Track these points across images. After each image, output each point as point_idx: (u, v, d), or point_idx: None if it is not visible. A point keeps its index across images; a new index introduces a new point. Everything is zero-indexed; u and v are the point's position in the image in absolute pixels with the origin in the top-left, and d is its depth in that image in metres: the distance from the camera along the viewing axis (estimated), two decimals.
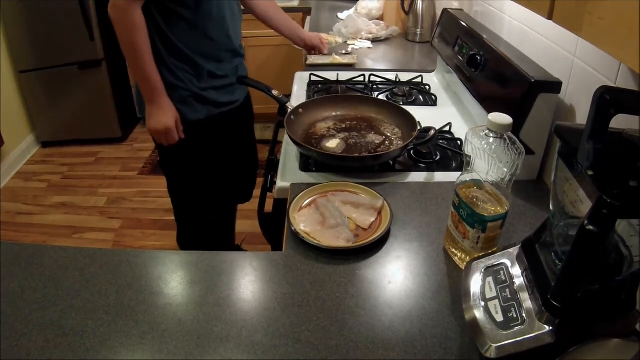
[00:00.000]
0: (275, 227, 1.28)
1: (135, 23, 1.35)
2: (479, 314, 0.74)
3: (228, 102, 1.62)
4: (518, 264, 0.79)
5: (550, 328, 0.66)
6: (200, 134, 1.58)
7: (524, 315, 0.70)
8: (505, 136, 0.83)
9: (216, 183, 1.76)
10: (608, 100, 0.57)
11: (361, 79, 1.87)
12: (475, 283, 0.80)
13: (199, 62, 1.48)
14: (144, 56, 1.39)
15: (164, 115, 1.48)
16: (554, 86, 1.12)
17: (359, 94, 1.70)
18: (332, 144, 1.32)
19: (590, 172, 0.60)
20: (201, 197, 1.73)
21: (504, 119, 0.82)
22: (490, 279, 0.79)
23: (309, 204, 1.10)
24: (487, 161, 0.84)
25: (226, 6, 1.50)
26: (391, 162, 1.28)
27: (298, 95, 1.74)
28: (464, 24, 1.61)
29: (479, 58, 1.41)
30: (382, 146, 1.33)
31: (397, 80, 1.86)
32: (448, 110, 1.64)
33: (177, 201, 1.78)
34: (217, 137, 1.64)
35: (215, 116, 1.58)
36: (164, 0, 1.37)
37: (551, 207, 0.75)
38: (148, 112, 1.49)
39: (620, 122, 0.61)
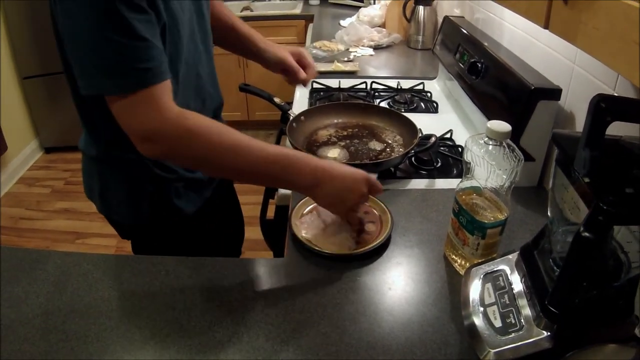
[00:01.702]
0: (277, 233, 1.29)
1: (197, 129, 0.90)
2: (477, 319, 0.75)
3: None
4: (517, 270, 0.79)
5: (548, 334, 0.67)
6: (197, 225, 1.23)
7: (522, 321, 0.71)
8: (504, 143, 0.84)
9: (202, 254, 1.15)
10: (603, 108, 0.58)
11: (363, 86, 1.88)
12: (475, 289, 0.81)
13: None
14: (249, 144, 0.91)
15: (348, 176, 0.96)
16: (554, 93, 1.13)
17: (361, 102, 1.71)
18: (334, 153, 1.32)
19: (586, 179, 0.60)
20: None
21: (502, 126, 0.83)
22: (489, 285, 0.79)
23: (310, 211, 1.11)
24: (487, 168, 0.85)
25: (200, 59, 1.11)
26: (392, 169, 1.29)
27: (300, 103, 1.75)
28: (464, 31, 1.62)
29: (479, 65, 1.42)
30: (384, 153, 1.34)
31: (399, 87, 1.87)
32: (449, 117, 1.65)
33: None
34: (211, 218, 1.28)
35: (209, 197, 1.24)
36: None
37: (549, 214, 0.76)
38: (320, 197, 0.97)
39: (620, 128, 0.62)
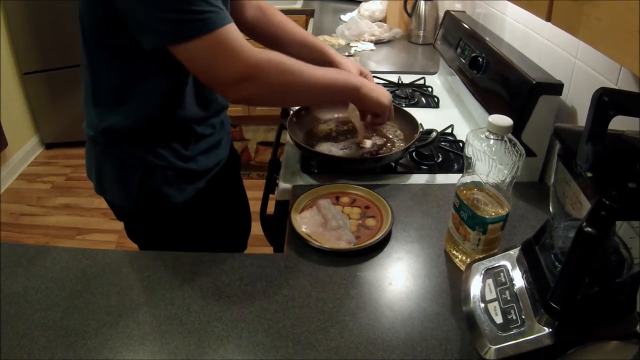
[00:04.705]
0: (277, 229, 1.29)
1: (276, 61, 0.98)
2: (478, 315, 0.74)
3: (216, 164, 1.27)
4: (518, 266, 0.79)
5: (550, 330, 0.66)
6: (188, 215, 1.23)
7: (523, 317, 0.70)
8: (506, 138, 0.83)
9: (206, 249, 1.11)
10: (606, 102, 0.57)
11: None
12: (476, 285, 0.80)
13: (191, 125, 1.15)
14: (306, 71, 1.04)
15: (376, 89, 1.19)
16: (556, 88, 1.12)
17: None
18: (336, 148, 1.31)
19: (589, 174, 0.60)
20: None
21: (504, 120, 0.82)
22: (490, 281, 0.79)
23: (310, 206, 1.10)
24: (488, 163, 0.84)
25: None
26: (393, 164, 1.29)
27: None
28: (466, 25, 1.61)
29: (480, 60, 1.41)
30: (384, 148, 1.33)
31: (400, 82, 1.86)
32: (450, 112, 1.64)
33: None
34: (206, 209, 1.27)
35: (202, 188, 1.23)
36: (147, 57, 0.97)
37: (551, 209, 0.75)
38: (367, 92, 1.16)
39: (621, 123, 0.61)
